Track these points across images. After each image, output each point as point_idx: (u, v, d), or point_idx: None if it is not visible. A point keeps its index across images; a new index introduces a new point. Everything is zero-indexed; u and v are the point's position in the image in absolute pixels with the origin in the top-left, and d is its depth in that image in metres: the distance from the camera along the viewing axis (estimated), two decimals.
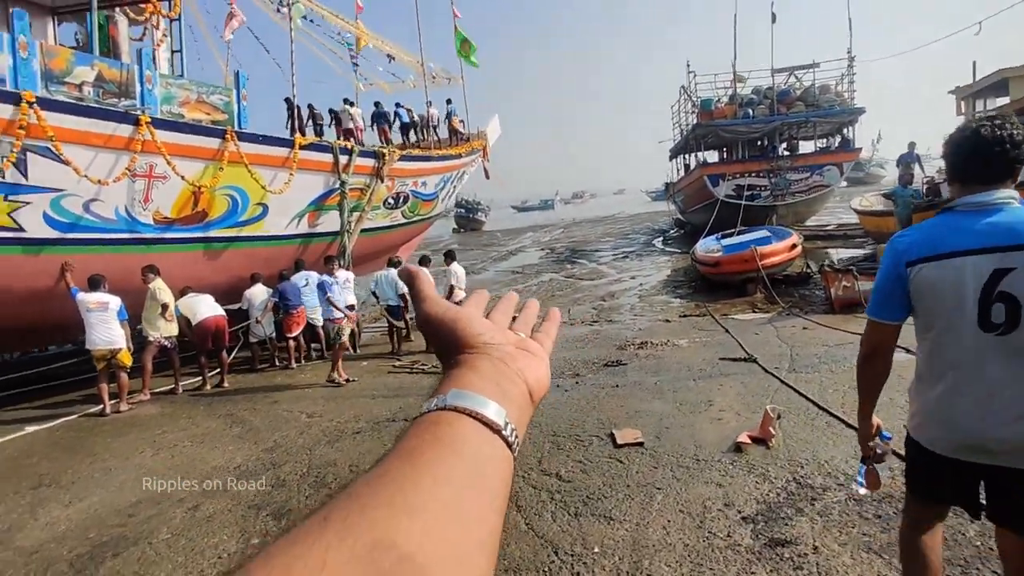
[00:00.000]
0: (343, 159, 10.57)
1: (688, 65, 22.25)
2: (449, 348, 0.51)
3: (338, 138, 14.16)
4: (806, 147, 22.63)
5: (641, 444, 4.77)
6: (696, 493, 3.88)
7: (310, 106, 14.62)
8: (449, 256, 10.26)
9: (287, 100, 13.40)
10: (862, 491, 2.30)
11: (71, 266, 7.37)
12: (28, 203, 6.85)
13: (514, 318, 0.60)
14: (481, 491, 0.39)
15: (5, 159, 6.36)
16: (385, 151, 11.71)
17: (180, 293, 8.20)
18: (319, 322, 9.20)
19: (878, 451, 2.14)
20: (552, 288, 16.35)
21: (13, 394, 8.32)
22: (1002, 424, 1.79)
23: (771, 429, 4.55)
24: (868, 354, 2.04)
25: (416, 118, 16.42)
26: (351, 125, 14.36)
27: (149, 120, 7.56)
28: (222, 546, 3.72)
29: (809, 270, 12.72)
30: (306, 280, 9.24)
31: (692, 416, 5.40)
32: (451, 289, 9.88)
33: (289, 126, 13.26)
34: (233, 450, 5.61)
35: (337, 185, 10.59)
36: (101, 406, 7.15)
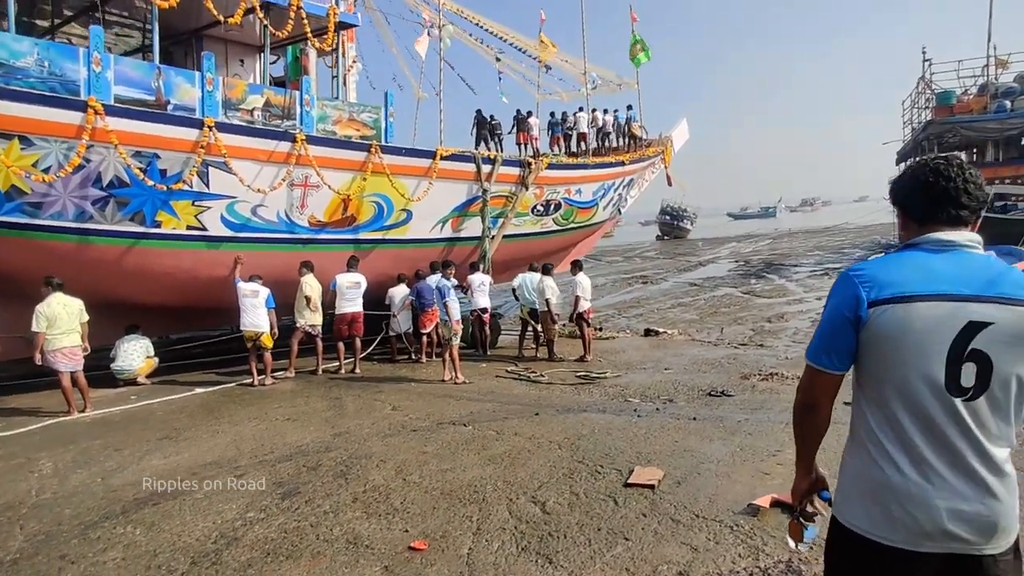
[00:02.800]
0: (486, 168, 11.06)
1: (924, 52, 18.74)
2: None
3: (518, 143, 14.99)
4: None
5: (652, 487, 4.27)
6: (660, 553, 3.38)
7: (491, 116, 15.69)
8: (576, 266, 10.15)
9: (477, 111, 14.78)
10: (792, 545, 1.93)
11: (242, 260, 8.89)
12: (209, 207, 8.44)
13: None
14: None
15: (189, 171, 7.92)
16: (531, 160, 11.96)
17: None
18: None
19: (809, 508, 1.84)
20: (719, 304, 15.11)
21: (216, 360, 10.28)
22: (963, 500, 1.50)
23: None
24: (808, 405, 1.73)
25: (590, 125, 16.45)
26: (534, 133, 15.18)
27: (304, 137, 8.79)
28: (223, 514, 4.25)
29: None
30: (437, 282, 9.88)
31: (740, 465, 4.66)
32: (576, 300, 9.77)
33: (474, 135, 14.55)
34: (312, 431, 6.28)
35: (480, 193, 11.12)
36: (251, 379, 8.53)
